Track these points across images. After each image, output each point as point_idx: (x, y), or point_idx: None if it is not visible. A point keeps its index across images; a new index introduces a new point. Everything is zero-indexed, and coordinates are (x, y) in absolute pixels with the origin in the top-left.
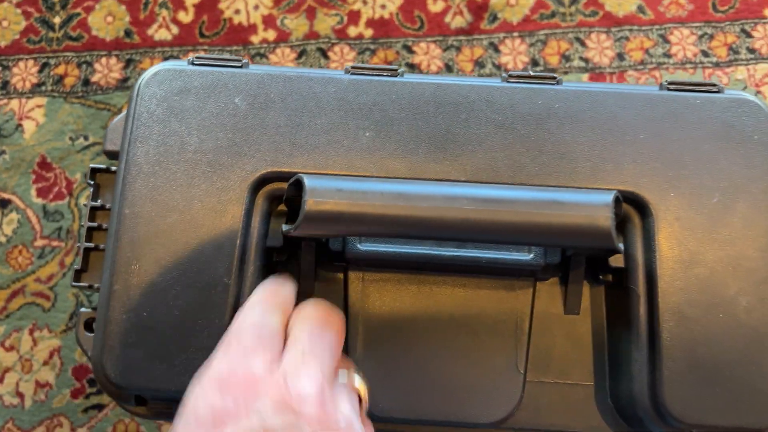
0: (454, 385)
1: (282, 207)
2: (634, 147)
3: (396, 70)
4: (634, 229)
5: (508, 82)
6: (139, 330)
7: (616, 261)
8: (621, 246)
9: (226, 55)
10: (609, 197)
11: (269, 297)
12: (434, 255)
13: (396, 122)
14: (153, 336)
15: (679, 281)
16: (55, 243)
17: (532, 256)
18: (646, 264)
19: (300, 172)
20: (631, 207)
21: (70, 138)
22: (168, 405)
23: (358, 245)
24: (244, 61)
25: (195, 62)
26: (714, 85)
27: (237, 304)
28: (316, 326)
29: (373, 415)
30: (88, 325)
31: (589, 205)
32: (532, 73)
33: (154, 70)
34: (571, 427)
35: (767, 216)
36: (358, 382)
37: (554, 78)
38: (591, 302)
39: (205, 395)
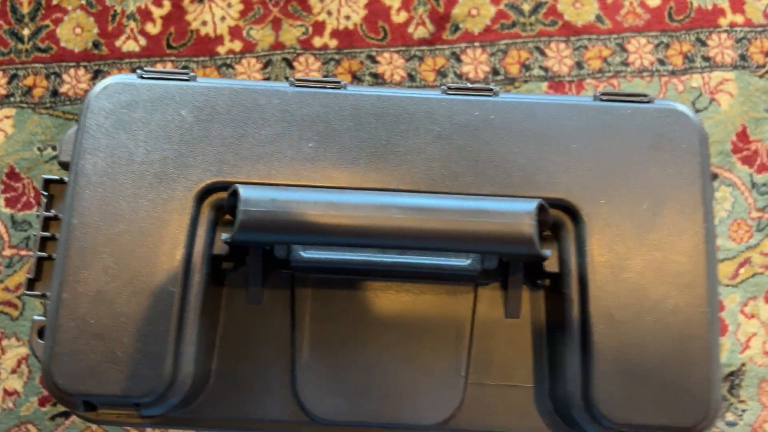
0: (397, 388)
1: (230, 216)
2: (566, 156)
3: (339, 82)
4: (567, 235)
5: (447, 94)
6: (86, 337)
7: (551, 266)
8: (546, 252)
9: (175, 69)
10: (532, 206)
11: None
12: (377, 261)
13: (339, 133)
14: (100, 343)
15: (609, 285)
16: (23, 252)
17: (469, 261)
18: (578, 269)
19: (243, 182)
20: (564, 214)
21: (38, 148)
22: (117, 411)
23: (302, 253)
24: (191, 74)
25: (144, 76)
26: (645, 95)
27: (183, 311)
28: None
29: (318, 419)
30: (41, 333)
31: (513, 213)
32: (469, 85)
33: (104, 83)
34: (511, 428)
35: (693, 222)
36: None
37: (491, 90)
38: (531, 306)
39: None
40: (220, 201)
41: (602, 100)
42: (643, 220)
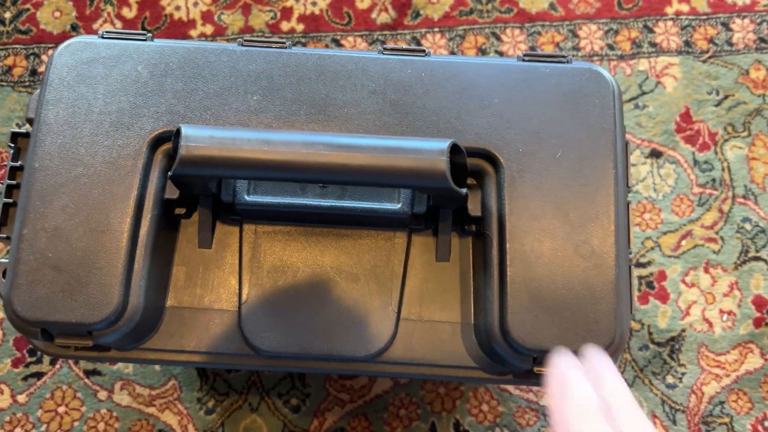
0: (334, 324)
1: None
2: (489, 110)
3: (284, 42)
4: (489, 181)
5: (383, 54)
6: (44, 269)
7: (475, 210)
8: (462, 190)
9: (134, 30)
10: (445, 144)
11: None
12: (316, 205)
13: (281, 87)
14: (57, 274)
15: (524, 225)
16: None
17: (400, 205)
18: (498, 212)
19: None
20: (486, 162)
21: (17, 124)
22: (73, 340)
23: (246, 197)
24: (149, 35)
25: (105, 36)
26: (564, 56)
27: (133, 247)
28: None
29: (261, 351)
30: (5, 273)
31: (428, 149)
32: (404, 46)
33: (67, 42)
34: (440, 361)
35: (603, 169)
36: None
37: (424, 51)
38: (460, 251)
39: None
40: (172, 149)
41: (525, 60)
42: (557, 167)
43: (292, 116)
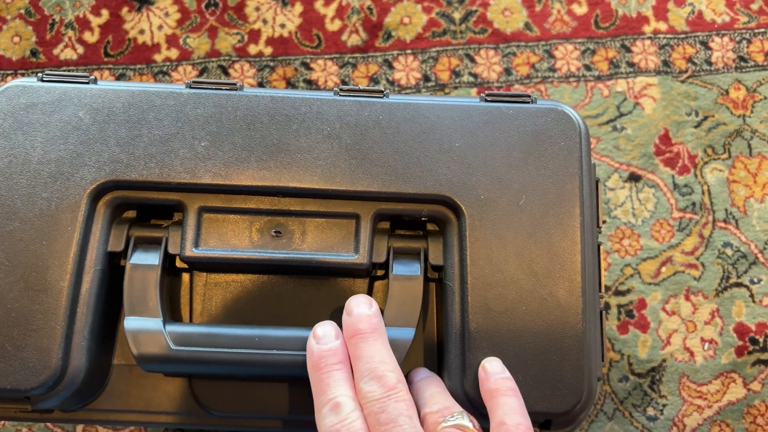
0: (291, 382)
1: (129, 213)
2: (449, 154)
3: (235, 84)
4: (451, 229)
5: (339, 95)
6: None
7: (436, 259)
8: None
9: (76, 72)
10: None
11: None
12: (268, 257)
13: (231, 132)
14: None
15: (487, 277)
16: None
17: (357, 256)
18: (460, 262)
19: (137, 181)
20: (447, 209)
21: None
22: (10, 405)
23: (194, 249)
24: (91, 77)
25: (44, 79)
26: (528, 96)
27: (73, 306)
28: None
29: (212, 411)
30: None
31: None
32: (360, 87)
33: (4, 87)
34: None
35: (569, 216)
36: None
37: (381, 92)
38: (424, 300)
39: None
40: (116, 199)
41: (487, 101)
42: (521, 214)
43: (242, 163)
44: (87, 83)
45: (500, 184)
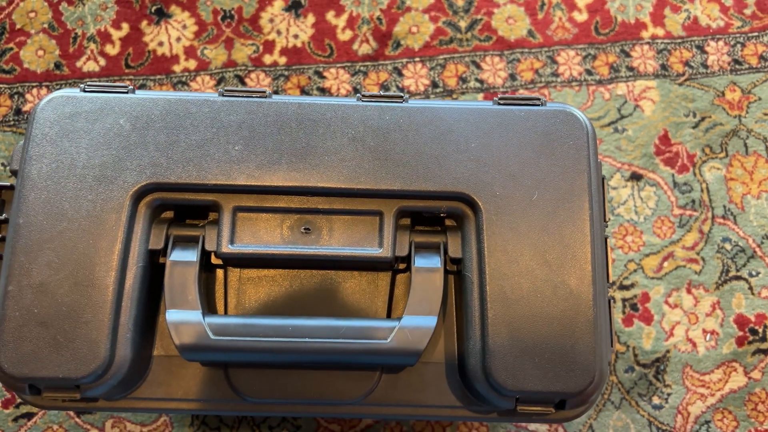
0: (320, 368)
1: (167, 214)
2: (466, 154)
3: (264, 92)
4: (469, 224)
5: (361, 101)
6: (30, 325)
7: (455, 252)
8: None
9: (115, 83)
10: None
11: None
12: (298, 253)
13: (262, 137)
14: (43, 330)
15: (503, 268)
16: None
17: (381, 250)
18: (478, 254)
19: (176, 183)
20: (465, 205)
21: (2, 164)
22: (60, 394)
23: (230, 245)
24: (129, 87)
25: (86, 89)
26: (538, 99)
27: (119, 300)
28: None
29: (248, 398)
30: None
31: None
32: (381, 93)
33: (49, 97)
34: (425, 402)
35: (579, 209)
36: None
37: (401, 97)
38: (443, 291)
39: None
40: (156, 200)
41: (500, 104)
42: (534, 208)
43: (273, 165)
44: (126, 93)
45: (514, 181)
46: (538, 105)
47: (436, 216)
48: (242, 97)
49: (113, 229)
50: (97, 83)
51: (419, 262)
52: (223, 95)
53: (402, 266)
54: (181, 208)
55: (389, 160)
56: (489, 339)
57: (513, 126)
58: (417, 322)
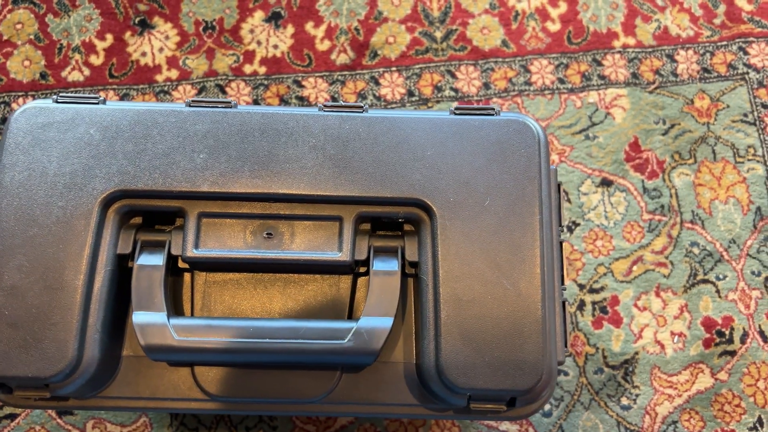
0: (283, 367)
1: (136, 219)
2: (422, 162)
3: (230, 102)
4: (425, 228)
5: (323, 111)
6: (1, 326)
7: (412, 256)
8: None
9: (87, 94)
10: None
11: None
12: (261, 257)
13: (227, 145)
14: (13, 331)
15: (456, 271)
16: None
17: (340, 254)
18: (432, 258)
19: (143, 190)
20: (421, 210)
21: None
22: (31, 392)
23: (194, 250)
24: (101, 98)
25: (59, 101)
26: (492, 108)
27: (87, 302)
28: None
29: (214, 396)
30: None
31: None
32: (342, 103)
33: (23, 108)
34: (384, 400)
35: (529, 215)
36: None
37: (361, 107)
38: (402, 293)
39: None
40: (124, 207)
41: (456, 113)
42: (486, 214)
43: (237, 172)
44: (97, 103)
45: (467, 187)
46: (492, 115)
47: (394, 221)
48: (208, 107)
49: (82, 234)
50: (70, 95)
51: (377, 265)
52: (190, 105)
53: (363, 269)
54: (149, 214)
55: (349, 167)
56: (442, 339)
57: (467, 135)
58: (374, 323)
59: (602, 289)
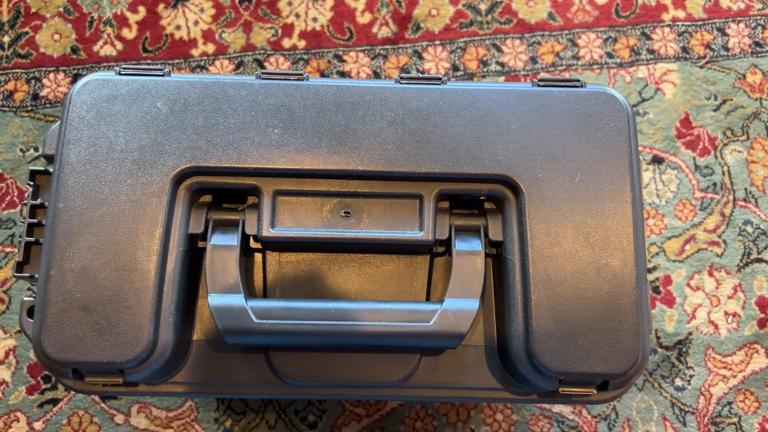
0: (360, 351)
1: (206, 198)
2: (507, 136)
3: (302, 74)
4: (510, 206)
5: (400, 83)
6: (73, 310)
7: (496, 235)
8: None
9: (150, 65)
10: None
11: None
12: (338, 236)
13: (301, 120)
14: (86, 314)
15: (546, 250)
16: (8, 249)
17: (422, 233)
18: (519, 237)
19: (216, 167)
20: (506, 188)
21: (21, 150)
22: (103, 378)
23: (270, 229)
24: (166, 69)
25: (122, 72)
26: (578, 80)
27: (161, 285)
28: None
29: (289, 381)
30: (30, 312)
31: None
32: (420, 75)
33: (84, 80)
34: (465, 384)
35: (620, 191)
36: None
37: (440, 79)
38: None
39: None
40: (195, 184)
41: (539, 85)
42: (576, 190)
43: (313, 148)
44: (162, 75)
45: (556, 163)
46: (578, 87)
47: (476, 199)
48: (280, 80)
49: (154, 214)
50: (133, 66)
51: (460, 245)
52: (260, 78)
53: (440, 249)
54: (220, 192)
55: (429, 142)
56: (533, 321)
57: (553, 108)
58: (459, 305)
59: (654, 268)
